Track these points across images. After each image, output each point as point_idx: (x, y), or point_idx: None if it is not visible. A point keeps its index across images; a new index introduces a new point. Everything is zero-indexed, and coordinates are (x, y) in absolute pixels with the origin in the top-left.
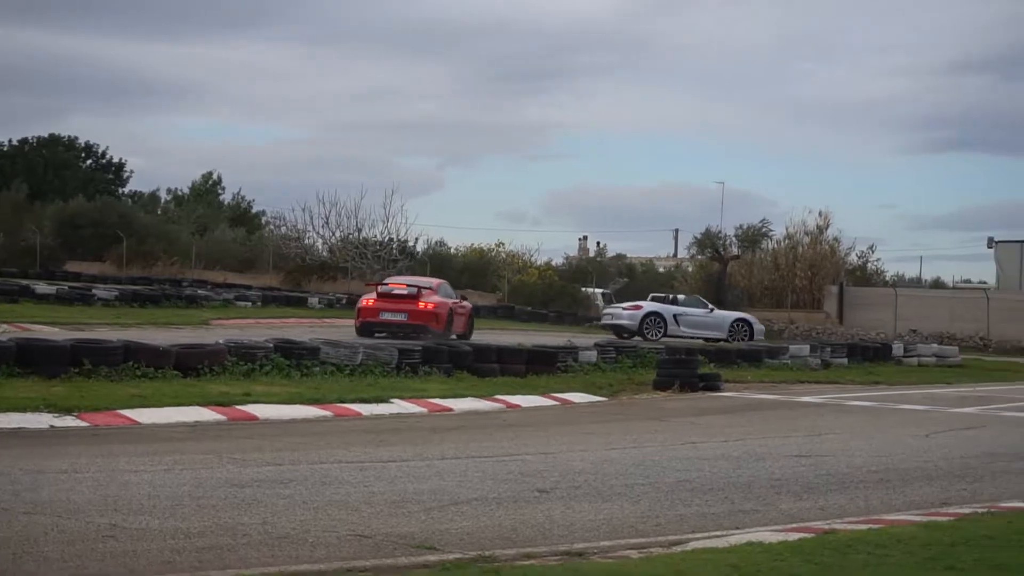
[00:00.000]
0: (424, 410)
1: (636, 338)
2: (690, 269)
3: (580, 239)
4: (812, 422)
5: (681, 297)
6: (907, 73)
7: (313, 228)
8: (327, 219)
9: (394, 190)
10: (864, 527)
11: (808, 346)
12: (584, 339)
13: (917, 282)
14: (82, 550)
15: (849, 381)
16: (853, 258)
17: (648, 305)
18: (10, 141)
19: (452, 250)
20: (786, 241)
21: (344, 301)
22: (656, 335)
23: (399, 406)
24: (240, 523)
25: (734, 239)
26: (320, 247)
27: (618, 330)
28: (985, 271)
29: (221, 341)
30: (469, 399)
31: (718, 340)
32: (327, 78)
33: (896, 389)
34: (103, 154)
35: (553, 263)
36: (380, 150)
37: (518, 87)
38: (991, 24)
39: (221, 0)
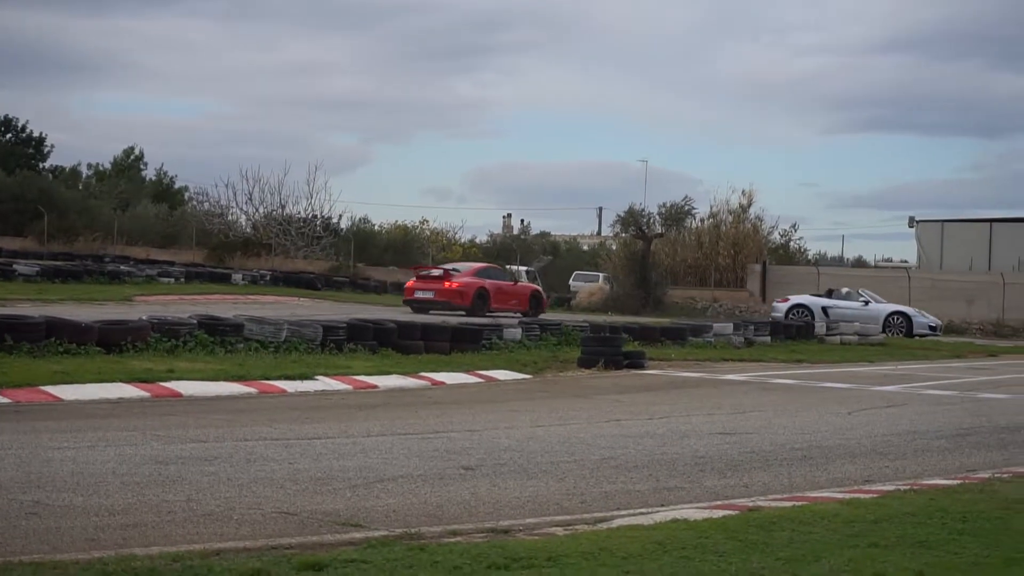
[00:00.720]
0: (349, 387)
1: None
2: (614, 247)
3: (504, 217)
4: (736, 400)
5: (844, 290)
6: (830, 52)
7: (236, 204)
8: (251, 195)
9: (318, 166)
10: (788, 504)
11: (732, 324)
12: (511, 317)
13: (839, 261)
14: (4, 527)
15: (772, 359)
16: (776, 237)
17: (795, 298)
18: None
19: (376, 227)
20: (710, 220)
21: (268, 278)
22: None
23: (324, 383)
24: (164, 500)
25: (658, 217)
26: (244, 223)
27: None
28: (906, 250)
29: (144, 317)
30: (394, 376)
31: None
32: (252, 53)
33: (819, 367)
34: (23, 128)
35: (477, 241)
36: (305, 126)
37: (445, 64)
38: (915, 4)
39: None
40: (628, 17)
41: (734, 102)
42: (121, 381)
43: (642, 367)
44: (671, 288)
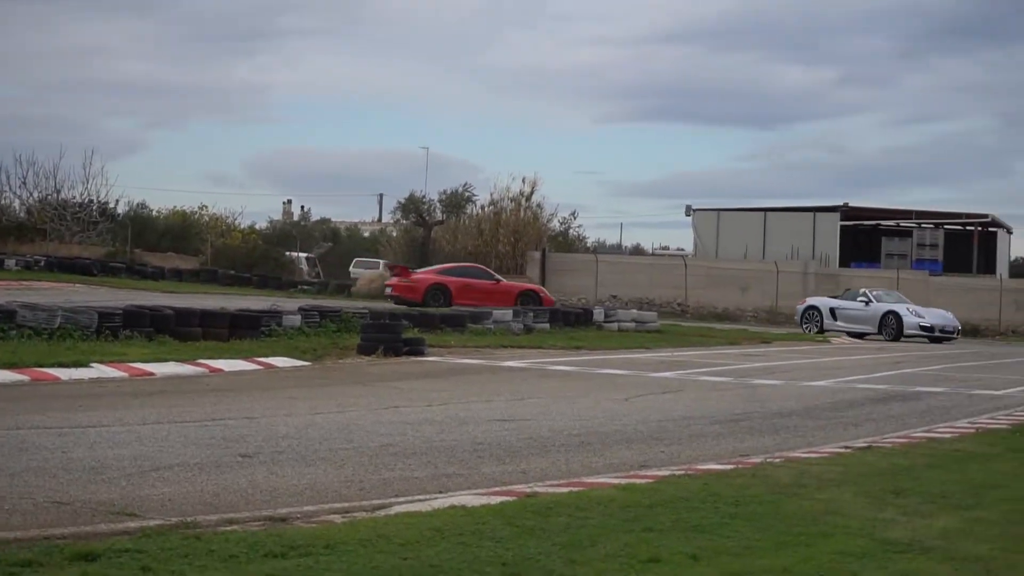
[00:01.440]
0: (125, 375)
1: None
2: (394, 234)
3: (285, 203)
4: (515, 387)
5: (862, 290)
6: (612, 42)
7: (10, 188)
8: (24, 179)
9: (94, 151)
10: (565, 490)
11: (511, 311)
12: (289, 303)
13: (618, 248)
14: None
15: (551, 346)
16: (556, 224)
17: (810, 299)
18: None
19: (155, 212)
20: (490, 207)
21: (43, 263)
22: (810, 330)
23: (99, 370)
24: None
25: (438, 204)
26: (17, 208)
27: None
28: (683, 238)
29: None
30: (172, 363)
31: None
32: (25, 34)
33: (597, 354)
34: None
35: (257, 227)
36: (82, 110)
37: (224, 48)
38: None
39: None
40: (411, 3)
41: (517, 90)
42: None
43: (422, 354)
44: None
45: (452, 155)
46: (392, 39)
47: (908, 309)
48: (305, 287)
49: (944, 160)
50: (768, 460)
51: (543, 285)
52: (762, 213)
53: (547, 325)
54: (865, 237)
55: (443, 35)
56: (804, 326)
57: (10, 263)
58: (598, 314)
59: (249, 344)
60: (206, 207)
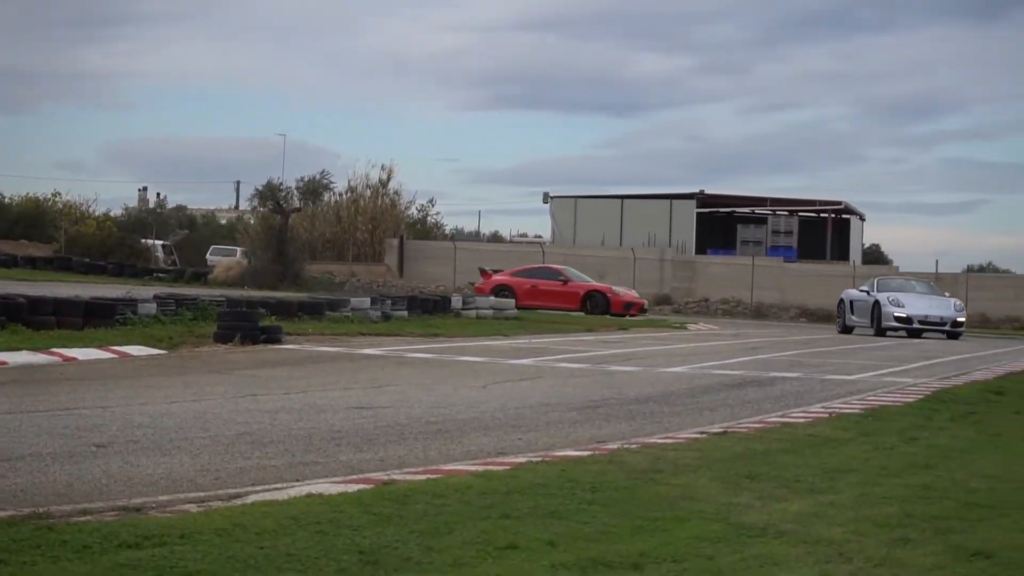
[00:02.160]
0: None
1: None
2: (252, 221)
3: (140, 190)
4: (372, 374)
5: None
6: (471, 29)
7: None
8: None
9: None
10: (422, 477)
11: (369, 299)
12: (144, 291)
13: (476, 236)
14: None
15: (409, 333)
16: (414, 211)
17: (843, 293)
18: None
19: (7, 199)
20: (348, 194)
21: None
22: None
23: None
24: None
25: (296, 192)
26: None
27: None
28: (541, 225)
29: None
30: (24, 352)
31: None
32: None
33: (455, 341)
34: None
35: (112, 214)
36: None
37: (81, 34)
38: None
39: None
40: None
41: (376, 76)
42: None
43: (279, 341)
44: (309, 262)
45: (310, 142)
46: (250, 24)
47: (889, 299)
48: (161, 275)
49: (799, 148)
50: (625, 446)
51: (400, 272)
52: (619, 200)
53: (405, 313)
54: (721, 224)
55: (302, 21)
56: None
57: None
58: (456, 301)
59: (104, 333)
60: (59, 194)
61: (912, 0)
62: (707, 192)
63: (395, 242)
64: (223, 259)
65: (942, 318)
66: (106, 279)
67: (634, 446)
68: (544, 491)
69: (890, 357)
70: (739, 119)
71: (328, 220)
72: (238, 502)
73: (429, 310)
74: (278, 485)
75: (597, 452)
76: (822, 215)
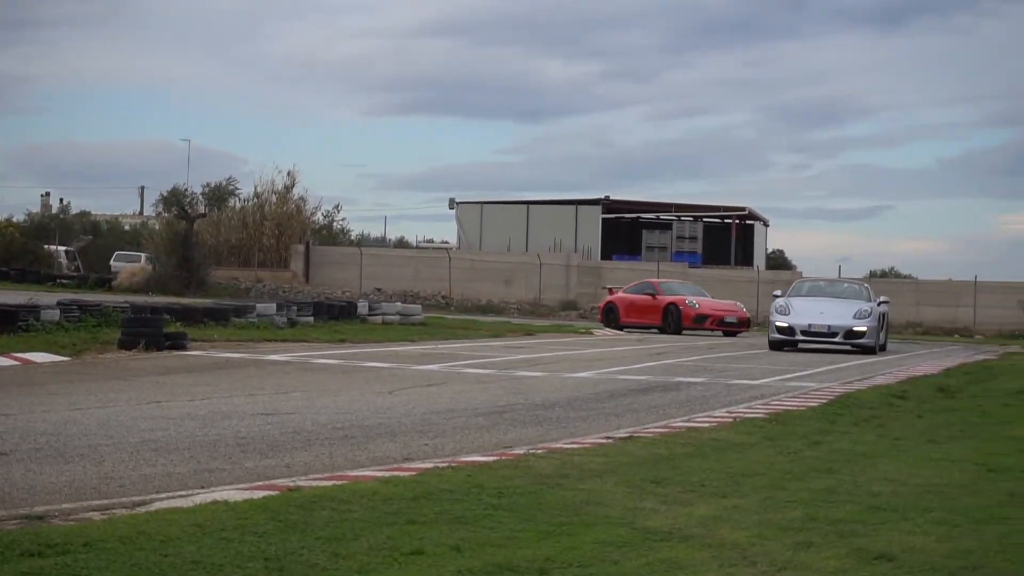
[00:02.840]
0: None
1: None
2: (157, 227)
3: (43, 195)
4: (278, 380)
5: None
6: (379, 35)
7: None
8: None
9: None
10: (328, 484)
11: (275, 305)
12: (47, 297)
13: (382, 241)
14: None
15: (316, 339)
16: (320, 217)
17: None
18: None
19: None
20: (254, 200)
21: None
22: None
23: None
24: None
25: (201, 197)
26: None
27: None
28: (448, 231)
29: None
30: None
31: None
32: None
33: (362, 347)
34: None
35: (15, 220)
36: None
37: None
38: None
39: None
40: None
41: (284, 82)
42: None
43: (184, 348)
44: (215, 268)
45: (217, 147)
46: (156, 29)
47: (778, 307)
48: (64, 281)
49: (705, 154)
50: (531, 451)
51: (307, 278)
52: (525, 206)
53: (311, 319)
54: (627, 230)
55: (209, 25)
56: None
57: None
58: (362, 307)
59: (5, 340)
60: None
61: (816, 8)
62: (613, 198)
63: (301, 248)
64: (127, 265)
65: (830, 327)
66: (9, 285)
67: (540, 451)
68: (450, 497)
69: (794, 362)
70: (645, 125)
71: (234, 226)
72: (142, 509)
73: (336, 316)
74: (183, 492)
75: (503, 457)
76: (726, 221)
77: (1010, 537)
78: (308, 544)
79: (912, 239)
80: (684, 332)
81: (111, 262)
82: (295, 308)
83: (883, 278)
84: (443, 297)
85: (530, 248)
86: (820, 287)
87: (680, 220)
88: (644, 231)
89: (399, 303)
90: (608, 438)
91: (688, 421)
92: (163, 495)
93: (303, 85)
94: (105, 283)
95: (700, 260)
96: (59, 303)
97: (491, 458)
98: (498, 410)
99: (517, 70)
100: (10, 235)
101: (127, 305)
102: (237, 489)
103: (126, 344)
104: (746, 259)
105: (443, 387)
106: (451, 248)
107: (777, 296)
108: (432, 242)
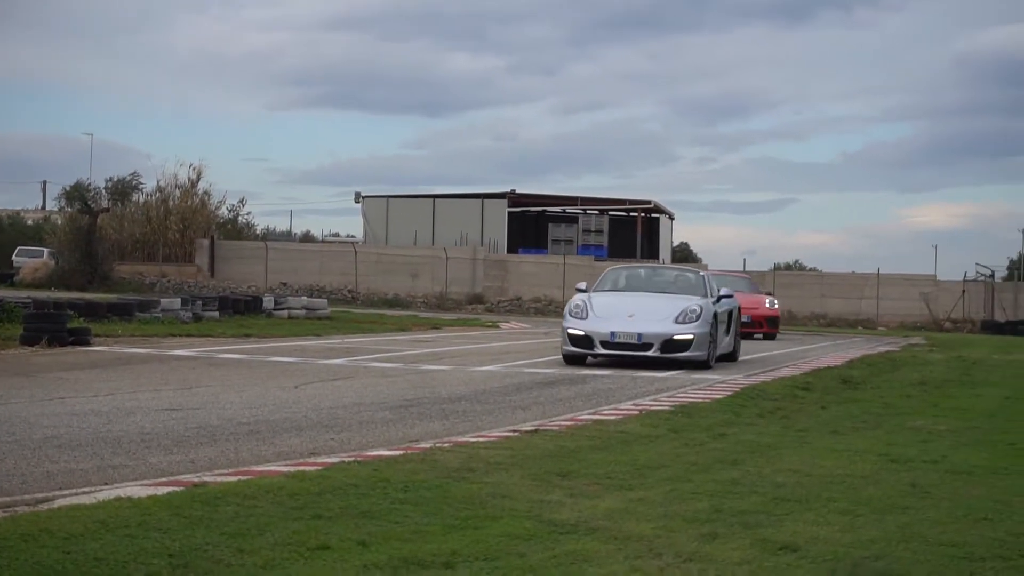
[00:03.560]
0: None
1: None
2: (59, 222)
3: None
4: (183, 375)
5: None
6: (283, 27)
7: None
8: None
9: None
10: (234, 479)
11: (180, 300)
12: None
13: (288, 235)
14: None
15: (221, 334)
16: (225, 211)
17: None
18: None
19: None
20: (158, 194)
21: None
22: None
23: None
24: None
25: (105, 192)
26: None
27: None
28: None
29: None
30: None
31: None
32: None
33: (267, 342)
34: None
35: None
36: None
37: None
38: None
39: None
40: None
41: (186, 75)
42: None
43: (88, 343)
44: (119, 263)
45: (120, 142)
46: (58, 19)
47: (574, 308)
48: None
49: (610, 147)
50: (437, 445)
51: (212, 272)
52: (431, 200)
53: (216, 314)
54: (532, 223)
55: (110, 18)
56: None
57: None
58: (268, 302)
59: None
60: None
61: (719, 2)
62: (518, 191)
63: (206, 242)
64: (30, 260)
65: (641, 336)
66: None
67: (446, 445)
68: (356, 491)
69: None
70: (550, 119)
71: (138, 220)
72: (44, 507)
73: (241, 311)
74: (86, 489)
75: (410, 451)
76: (632, 214)
77: (911, 527)
78: (213, 540)
79: (816, 232)
80: None
81: (13, 257)
82: (200, 303)
83: (788, 270)
84: (350, 291)
85: (436, 242)
86: (639, 276)
87: (586, 214)
88: (550, 224)
89: (305, 297)
90: (514, 431)
91: (594, 414)
92: (66, 492)
93: (206, 79)
94: (7, 279)
95: (606, 253)
96: None
97: (397, 452)
98: (404, 404)
99: (422, 64)
100: None
101: (29, 300)
102: (141, 485)
103: (28, 340)
104: (652, 252)
105: (349, 381)
106: (357, 242)
107: (580, 290)
108: (338, 236)
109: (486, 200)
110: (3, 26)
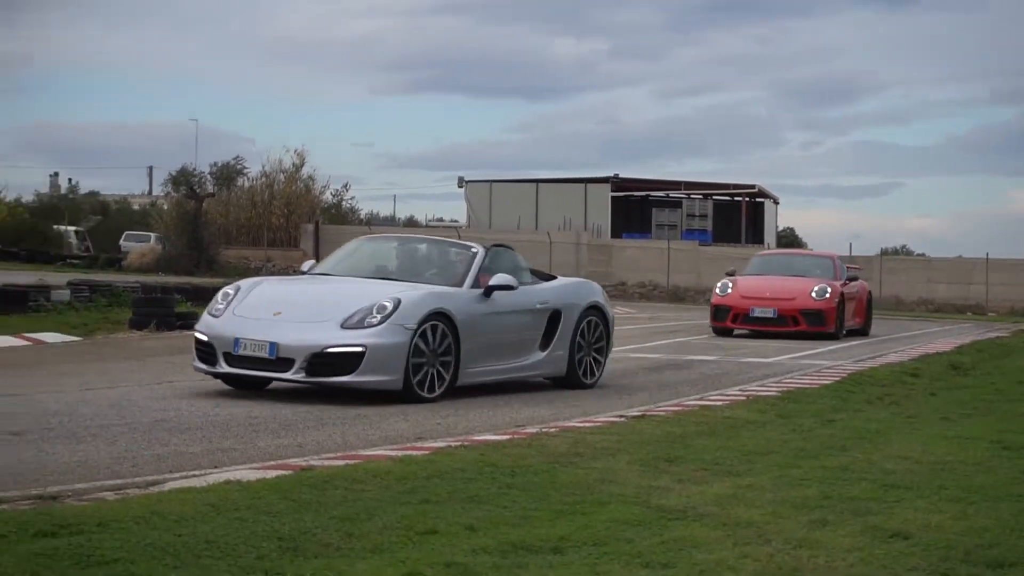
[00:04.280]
0: None
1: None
2: (166, 207)
3: (51, 176)
4: None
5: None
6: (384, 13)
7: None
8: None
9: None
10: (341, 463)
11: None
12: (57, 277)
13: (392, 220)
14: None
15: None
16: (329, 196)
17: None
18: None
19: None
20: (262, 179)
21: None
22: None
23: None
24: None
25: (209, 177)
26: None
27: None
28: (457, 210)
29: None
30: None
31: None
32: None
33: None
34: None
35: (24, 200)
36: None
37: None
38: None
39: None
40: None
41: (291, 61)
42: None
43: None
44: (224, 248)
45: (224, 128)
46: (157, 8)
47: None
48: (75, 261)
49: (714, 131)
50: (544, 430)
51: (317, 258)
52: (534, 184)
53: None
54: (636, 208)
55: (215, 5)
56: None
57: None
58: None
59: (16, 320)
60: None
61: None
62: (622, 176)
63: (310, 227)
64: (137, 245)
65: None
66: (18, 266)
67: (553, 430)
68: (463, 476)
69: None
70: (654, 103)
71: (243, 205)
72: (155, 489)
73: None
74: (196, 472)
75: (516, 436)
76: (736, 199)
77: None
78: (322, 523)
79: (922, 216)
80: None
81: (121, 242)
82: None
83: (895, 256)
84: None
85: (540, 227)
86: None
87: (690, 198)
88: (654, 209)
89: None
90: (621, 416)
91: (701, 399)
92: (176, 475)
93: (310, 64)
94: (115, 263)
95: (711, 238)
96: (70, 283)
97: (504, 437)
98: (510, 388)
99: (525, 48)
100: (19, 216)
101: (138, 285)
102: (250, 468)
103: (137, 324)
104: (756, 237)
105: None
106: (461, 227)
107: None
108: (442, 221)
109: (589, 185)
110: (104, 13)
